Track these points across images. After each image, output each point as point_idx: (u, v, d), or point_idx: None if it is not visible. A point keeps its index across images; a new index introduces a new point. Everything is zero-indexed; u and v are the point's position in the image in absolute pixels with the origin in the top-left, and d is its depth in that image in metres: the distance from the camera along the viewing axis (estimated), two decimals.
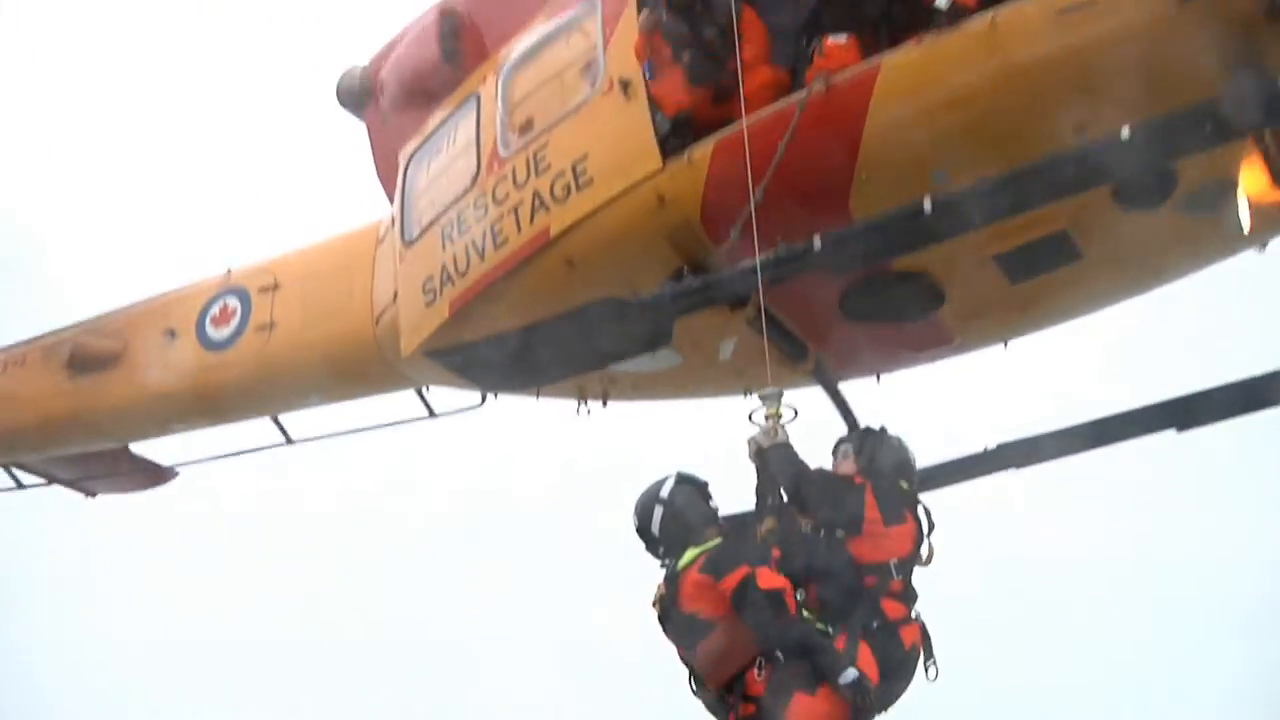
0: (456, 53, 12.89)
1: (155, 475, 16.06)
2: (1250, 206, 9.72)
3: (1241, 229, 9.90)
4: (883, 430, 9.66)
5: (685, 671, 9.13)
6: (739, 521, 9.33)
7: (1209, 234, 10.31)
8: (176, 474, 16.09)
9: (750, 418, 9.05)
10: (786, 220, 9.75)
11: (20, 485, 16.36)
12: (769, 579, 8.35)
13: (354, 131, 14.23)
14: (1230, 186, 9.66)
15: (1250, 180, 9.54)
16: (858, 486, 8.85)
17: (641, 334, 11.14)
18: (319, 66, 14.96)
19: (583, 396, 12.48)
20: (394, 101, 13.64)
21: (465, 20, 13.00)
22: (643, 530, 9.25)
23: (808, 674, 8.49)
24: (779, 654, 8.47)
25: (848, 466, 9.35)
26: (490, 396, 13.34)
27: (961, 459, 11.94)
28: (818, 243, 9.70)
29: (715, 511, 9.15)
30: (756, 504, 9.12)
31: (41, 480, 16.28)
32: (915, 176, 9.68)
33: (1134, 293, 11.39)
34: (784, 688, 8.49)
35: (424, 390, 13.87)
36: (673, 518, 9.02)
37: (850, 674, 8.30)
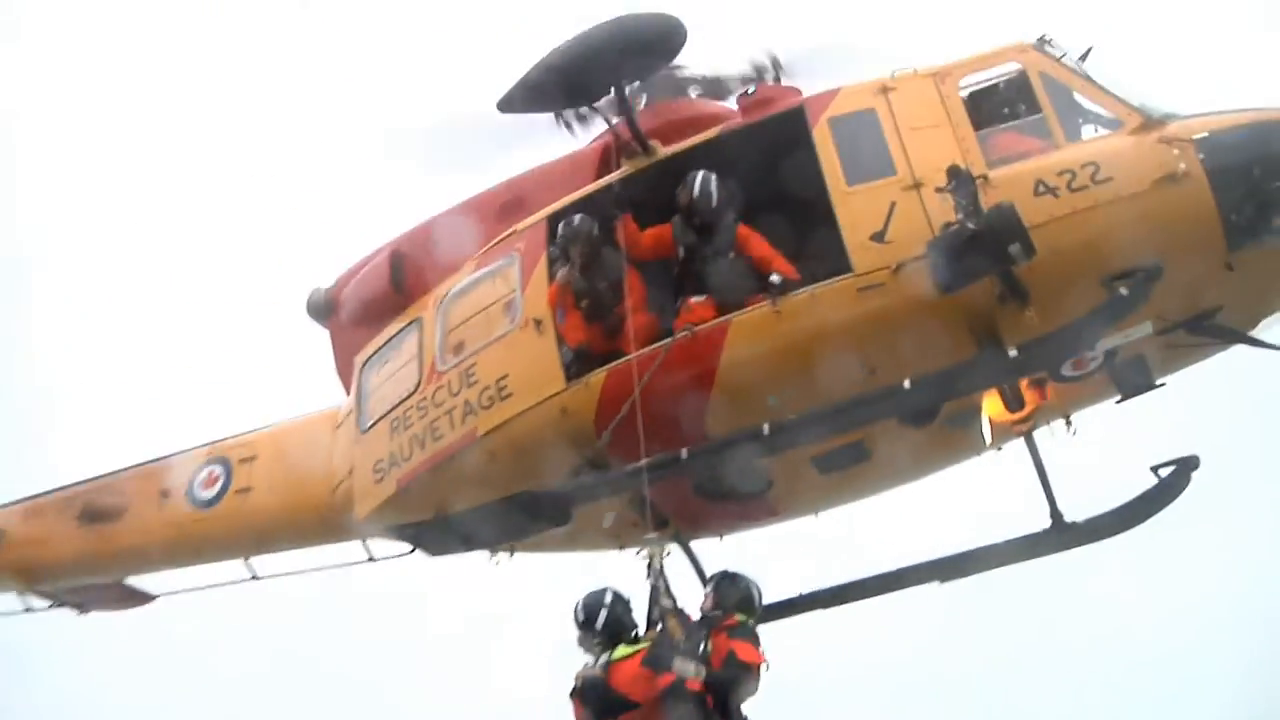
0: (403, 285, 13.98)
1: (138, 599, 16.50)
2: (990, 424, 11.80)
3: (985, 439, 12.01)
4: (734, 574, 10.82)
5: None
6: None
7: (963, 442, 12.24)
8: (156, 597, 16.44)
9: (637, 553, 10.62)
10: (661, 432, 11.07)
11: (29, 609, 16.59)
12: (695, 684, 9.44)
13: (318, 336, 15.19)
14: (977, 410, 11.65)
15: (991, 406, 11.57)
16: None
17: (548, 517, 12.43)
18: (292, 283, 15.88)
19: (494, 551, 13.54)
20: (351, 317, 14.63)
21: (411, 261, 14.10)
22: (586, 623, 10.20)
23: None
24: None
25: (707, 603, 10.61)
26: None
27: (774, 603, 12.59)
28: (684, 454, 11.23)
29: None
30: (647, 621, 10.22)
31: (46, 603, 16.55)
32: (756, 403, 11.22)
33: (909, 480, 13.19)
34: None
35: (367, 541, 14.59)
36: (614, 619, 10.09)
37: None
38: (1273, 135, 10.91)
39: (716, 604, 10.57)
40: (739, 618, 10.47)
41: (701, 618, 10.59)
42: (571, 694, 10.03)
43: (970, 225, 10.24)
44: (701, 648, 10.03)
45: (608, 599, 10.20)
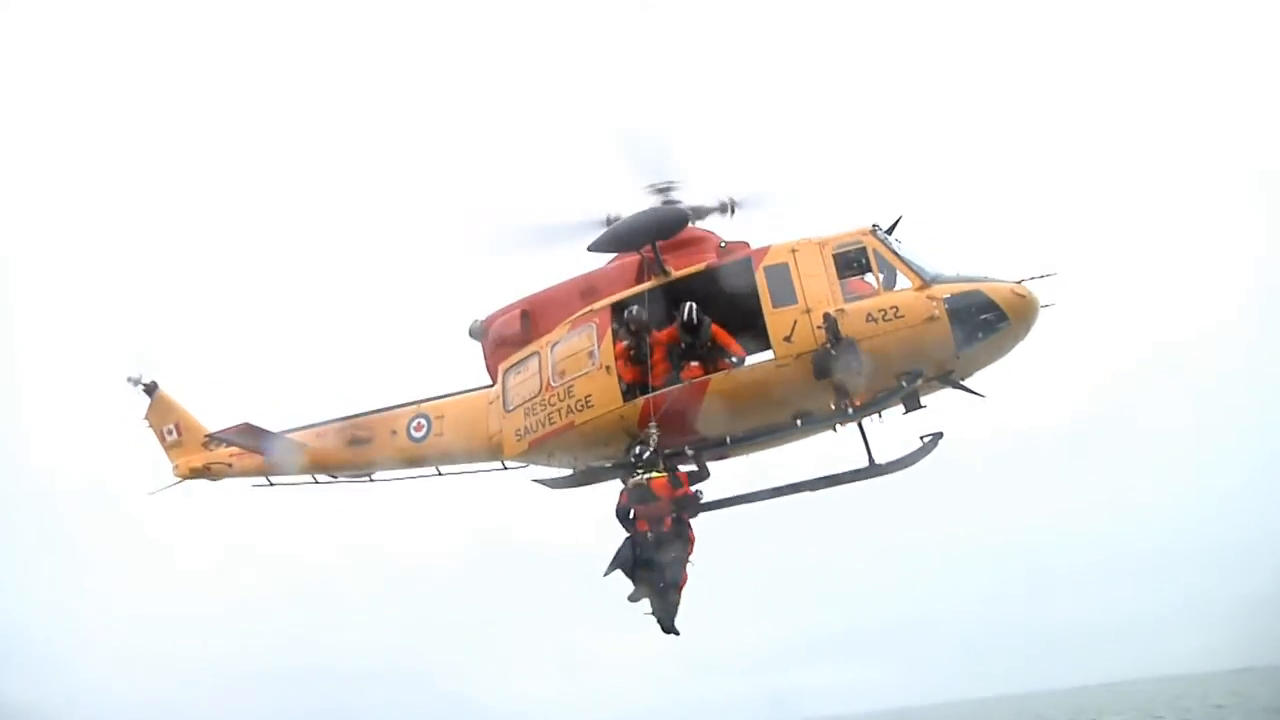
0: (529, 329, 18.87)
1: (367, 479, 21.26)
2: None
3: (836, 427, 17.54)
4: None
5: (622, 510, 16.08)
6: None
7: (825, 427, 17.44)
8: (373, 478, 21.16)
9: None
10: (674, 432, 16.86)
11: (316, 482, 21.20)
12: (685, 492, 16.20)
13: (473, 350, 19.94)
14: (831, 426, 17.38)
15: None
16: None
17: (610, 476, 17.79)
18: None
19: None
20: (495, 341, 19.34)
21: (533, 315, 18.93)
22: (638, 459, 16.13)
23: (689, 510, 16.32)
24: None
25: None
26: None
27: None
28: (687, 449, 17.21)
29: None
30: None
31: (329, 479, 21.14)
32: (725, 419, 16.84)
33: (796, 441, 18.15)
34: (685, 521, 16.16)
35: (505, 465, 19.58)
36: (651, 460, 16.14)
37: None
38: (978, 296, 16.25)
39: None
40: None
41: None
42: (623, 490, 16.36)
43: (832, 350, 16.05)
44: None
45: (646, 453, 16.41)
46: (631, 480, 16.25)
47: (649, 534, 16.11)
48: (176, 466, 22.24)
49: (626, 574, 16.28)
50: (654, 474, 16.21)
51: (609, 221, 18.04)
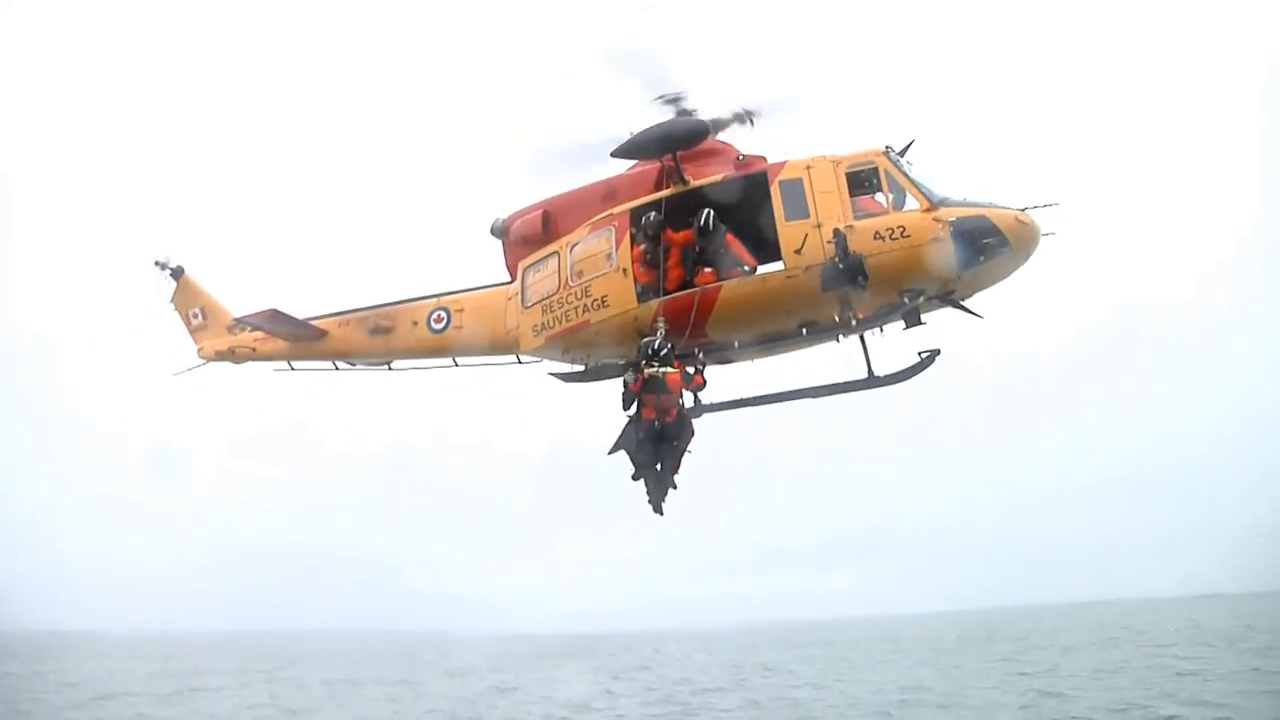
0: (549, 230, 19.46)
1: (385, 367, 21.76)
2: None
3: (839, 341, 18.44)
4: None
5: (630, 396, 16.98)
6: None
7: (829, 336, 18.14)
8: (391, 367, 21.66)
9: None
10: (684, 335, 17.50)
11: (338, 368, 21.90)
12: (698, 382, 17.30)
13: (494, 247, 20.44)
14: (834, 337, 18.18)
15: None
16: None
17: (621, 371, 18.27)
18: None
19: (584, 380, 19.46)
20: (516, 240, 19.93)
21: (554, 217, 19.48)
22: (654, 354, 16.73)
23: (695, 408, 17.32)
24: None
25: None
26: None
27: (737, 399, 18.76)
28: (698, 351, 17.89)
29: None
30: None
31: (348, 366, 21.81)
32: (735, 325, 17.58)
33: (799, 350, 18.80)
34: (687, 415, 17.21)
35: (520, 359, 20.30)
36: (667, 354, 16.87)
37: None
38: (983, 221, 16.92)
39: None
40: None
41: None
42: (637, 381, 17.05)
43: (840, 265, 16.71)
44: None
45: (663, 346, 17.09)
46: (648, 370, 17.02)
47: (655, 422, 17.10)
48: (201, 349, 23.04)
49: (629, 456, 17.42)
50: (669, 369, 17.02)
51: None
